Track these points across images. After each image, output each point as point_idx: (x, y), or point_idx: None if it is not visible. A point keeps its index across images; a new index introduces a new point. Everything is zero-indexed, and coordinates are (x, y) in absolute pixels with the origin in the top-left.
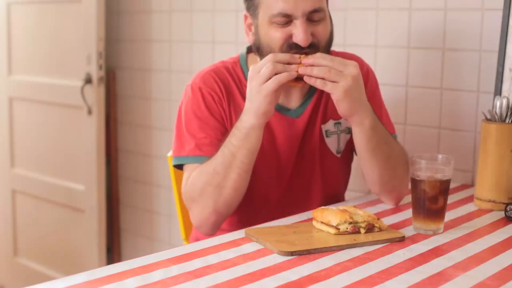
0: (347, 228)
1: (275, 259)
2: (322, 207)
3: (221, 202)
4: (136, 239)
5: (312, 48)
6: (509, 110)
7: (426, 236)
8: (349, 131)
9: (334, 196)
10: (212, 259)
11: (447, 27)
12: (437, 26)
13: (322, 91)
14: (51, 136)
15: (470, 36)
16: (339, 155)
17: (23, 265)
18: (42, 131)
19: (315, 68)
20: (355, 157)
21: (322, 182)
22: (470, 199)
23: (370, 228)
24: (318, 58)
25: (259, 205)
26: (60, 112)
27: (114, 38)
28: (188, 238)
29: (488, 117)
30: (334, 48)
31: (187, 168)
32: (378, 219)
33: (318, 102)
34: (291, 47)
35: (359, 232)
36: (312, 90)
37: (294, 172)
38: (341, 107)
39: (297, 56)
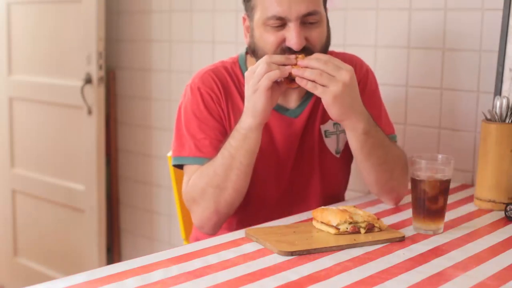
0: (347, 228)
1: (275, 259)
2: (322, 207)
3: (222, 203)
4: (136, 239)
5: (306, 52)
6: (509, 110)
7: (426, 236)
8: None
9: (334, 196)
10: (212, 259)
11: (447, 27)
12: (437, 26)
13: None
14: (51, 136)
15: (470, 36)
16: (338, 155)
17: (23, 265)
18: (42, 131)
19: (307, 70)
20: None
21: (321, 182)
22: (470, 199)
23: (370, 228)
24: (312, 60)
25: (258, 205)
26: (60, 112)
27: (114, 38)
28: (188, 238)
29: (488, 117)
30: (334, 48)
31: (187, 169)
32: (378, 219)
33: (317, 102)
34: (284, 50)
35: (359, 232)
36: None
37: (293, 172)
38: (331, 111)
39: (293, 56)
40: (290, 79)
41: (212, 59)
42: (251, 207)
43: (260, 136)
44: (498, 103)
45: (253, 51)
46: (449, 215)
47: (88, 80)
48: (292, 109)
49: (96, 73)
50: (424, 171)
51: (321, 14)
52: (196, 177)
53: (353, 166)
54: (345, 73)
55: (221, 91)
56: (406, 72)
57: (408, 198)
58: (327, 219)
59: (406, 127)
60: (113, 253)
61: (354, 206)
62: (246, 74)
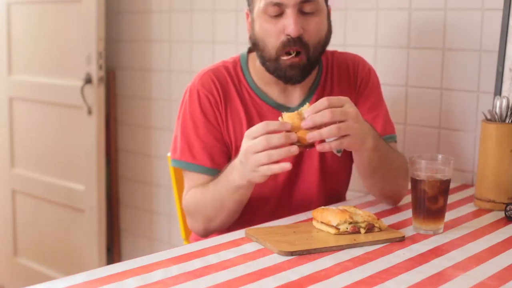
0: (347, 228)
1: (275, 259)
2: (322, 207)
3: (212, 227)
4: (136, 239)
5: (302, 47)
6: (509, 110)
7: (426, 236)
8: None
9: (335, 195)
10: (212, 259)
11: (447, 27)
12: (437, 26)
13: (323, 90)
14: (51, 136)
15: (470, 36)
16: (339, 154)
17: (23, 265)
18: (42, 131)
19: (323, 130)
20: None
21: (322, 181)
22: (470, 199)
23: (370, 228)
24: (318, 116)
25: (259, 205)
26: (60, 112)
27: (114, 38)
28: (188, 238)
29: (488, 117)
30: (335, 48)
31: (185, 174)
32: (378, 219)
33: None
34: (284, 44)
35: (359, 232)
36: (312, 88)
37: (293, 171)
38: (355, 149)
39: (288, 124)
40: (303, 145)
41: (212, 59)
42: (252, 207)
43: (250, 191)
44: (498, 103)
45: (254, 44)
46: (449, 215)
47: (88, 80)
48: (294, 107)
49: (96, 73)
50: (424, 171)
51: (319, 4)
52: (191, 196)
53: (353, 166)
54: (349, 108)
55: (220, 94)
56: (406, 72)
57: (408, 198)
58: (327, 219)
59: (406, 127)
60: (113, 253)
61: (354, 206)
62: (246, 133)
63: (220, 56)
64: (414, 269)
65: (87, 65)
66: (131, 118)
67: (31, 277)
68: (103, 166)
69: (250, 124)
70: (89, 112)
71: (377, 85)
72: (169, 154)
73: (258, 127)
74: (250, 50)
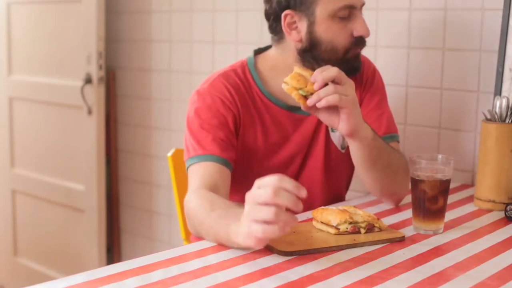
0: (347, 228)
1: (275, 259)
2: (322, 207)
3: (203, 239)
4: (136, 239)
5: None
6: (509, 110)
7: (426, 236)
8: None
9: (336, 194)
10: (212, 259)
11: (447, 27)
12: (437, 26)
13: None
14: (51, 136)
15: (470, 36)
16: (343, 151)
17: (23, 265)
18: (42, 131)
19: (321, 91)
20: None
21: (326, 179)
22: (470, 199)
23: (370, 228)
24: (320, 76)
25: None
26: (60, 112)
27: (114, 38)
28: (188, 238)
29: (488, 117)
30: None
31: (191, 170)
32: (378, 219)
33: None
34: (356, 44)
35: (359, 232)
36: None
37: (301, 168)
38: (350, 121)
39: (305, 191)
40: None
41: (212, 59)
42: None
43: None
44: (498, 103)
45: (314, 46)
46: (449, 215)
47: (88, 80)
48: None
49: (96, 73)
50: (424, 171)
51: None
52: (196, 202)
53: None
54: (348, 82)
55: (234, 96)
56: (406, 72)
57: (408, 198)
58: (327, 219)
59: (406, 127)
60: (113, 253)
61: (354, 206)
62: (248, 195)
63: (220, 56)
64: (414, 269)
65: (87, 65)
66: (131, 118)
67: (31, 277)
68: (103, 166)
69: (263, 126)
70: (89, 112)
71: (382, 85)
72: (169, 154)
73: (265, 192)
74: (256, 52)
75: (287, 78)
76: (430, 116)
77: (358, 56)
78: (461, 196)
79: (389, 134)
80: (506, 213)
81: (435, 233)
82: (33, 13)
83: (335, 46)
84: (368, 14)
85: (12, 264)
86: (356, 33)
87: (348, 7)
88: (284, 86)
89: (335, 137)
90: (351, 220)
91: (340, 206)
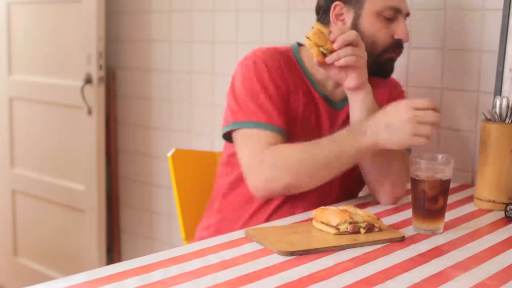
0: (347, 228)
1: (275, 259)
2: (322, 207)
3: (298, 184)
4: (136, 239)
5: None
6: (509, 110)
7: (426, 236)
8: None
9: (351, 190)
10: (212, 259)
11: (447, 27)
12: (437, 26)
13: None
14: (51, 136)
15: (470, 36)
16: None
17: (23, 265)
18: (42, 131)
19: (341, 51)
20: None
21: (343, 174)
22: (470, 199)
23: (370, 228)
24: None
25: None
26: (60, 112)
27: (114, 38)
28: (189, 238)
29: (488, 117)
30: None
31: (255, 134)
32: (378, 219)
33: None
34: (394, 46)
35: (359, 232)
36: None
37: None
38: (359, 78)
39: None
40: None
41: (212, 59)
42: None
43: (369, 154)
44: (498, 103)
45: None
46: (449, 215)
47: (88, 80)
48: (337, 102)
49: (96, 73)
50: (424, 171)
51: None
52: (277, 151)
53: None
54: (362, 44)
55: (283, 65)
56: (406, 72)
57: (408, 198)
58: (327, 219)
59: None
60: (113, 253)
61: (354, 206)
62: (407, 103)
63: (220, 56)
64: (414, 269)
65: (87, 65)
66: (131, 118)
67: (31, 277)
68: (103, 166)
69: (305, 106)
70: (89, 112)
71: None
72: (169, 154)
73: (424, 102)
74: (299, 44)
75: (309, 34)
76: None
77: (392, 60)
78: (461, 196)
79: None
80: (506, 213)
81: (435, 233)
82: (33, 13)
83: (375, 43)
84: None
85: (12, 264)
86: (396, 36)
87: (394, 9)
88: (306, 41)
89: None
90: (351, 220)
91: (340, 206)
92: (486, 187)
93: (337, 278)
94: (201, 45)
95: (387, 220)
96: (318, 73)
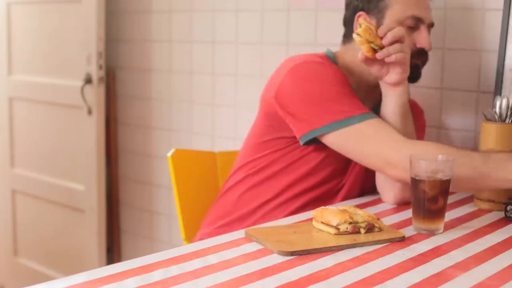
0: (347, 228)
1: (275, 259)
2: (322, 207)
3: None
4: (136, 239)
5: (424, 56)
6: (509, 110)
7: (426, 236)
8: None
9: (370, 187)
10: (212, 259)
11: (447, 27)
12: (437, 26)
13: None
14: (51, 136)
15: (470, 36)
16: None
17: (23, 265)
18: (42, 131)
19: (391, 47)
20: None
21: (367, 171)
22: (470, 199)
23: (370, 228)
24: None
25: (315, 196)
26: (60, 112)
27: (114, 38)
28: (188, 238)
29: (488, 117)
30: (331, 47)
31: (361, 128)
32: (378, 219)
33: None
34: (416, 55)
35: (359, 232)
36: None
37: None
38: (403, 74)
39: None
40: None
41: (212, 59)
42: (308, 196)
43: None
44: (498, 103)
45: None
46: (449, 215)
47: (88, 80)
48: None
49: (96, 73)
50: (424, 171)
51: None
52: (431, 148)
53: None
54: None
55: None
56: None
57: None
58: (327, 219)
59: None
60: (113, 253)
61: (354, 206)
62: None
63: (220, 56)
64: (414, 269)
65: (87, 65)
66: (131, 118)
67: (31, 277)
68: (103, 166)
69: None
70: (89, 112)
71: (424, 124)
72: (169, 154)
73: None
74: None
75: (360, 30)
76: (430, 116)
77: (418, 66)
78: (461, 196)
79: None
80: (506, 213)
81: (435, 233)
82: (33, 13)
83: None
84: None
85: (12, 264)
86: (418, 45)
87: (416, 18)
88: (356, 38)
89: None
90: (351, 220)
91: (340, 206)
92: None
93: (337, 278)
94: (201, 45)
95: (387, 220)
96: (351, 81)
